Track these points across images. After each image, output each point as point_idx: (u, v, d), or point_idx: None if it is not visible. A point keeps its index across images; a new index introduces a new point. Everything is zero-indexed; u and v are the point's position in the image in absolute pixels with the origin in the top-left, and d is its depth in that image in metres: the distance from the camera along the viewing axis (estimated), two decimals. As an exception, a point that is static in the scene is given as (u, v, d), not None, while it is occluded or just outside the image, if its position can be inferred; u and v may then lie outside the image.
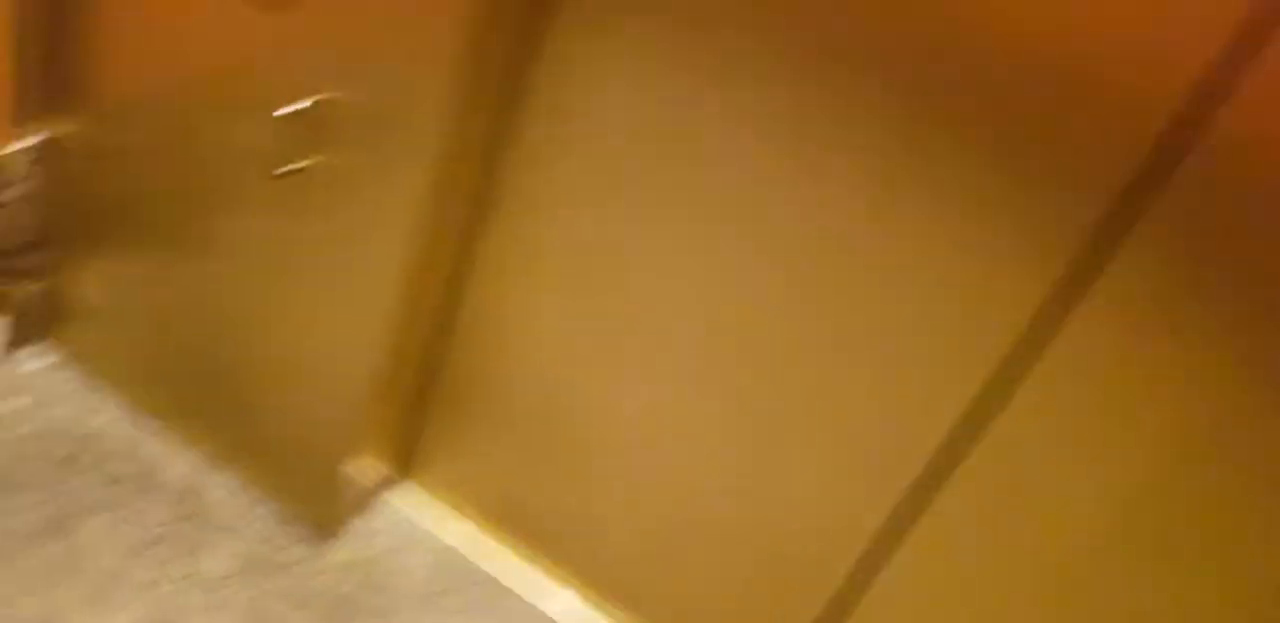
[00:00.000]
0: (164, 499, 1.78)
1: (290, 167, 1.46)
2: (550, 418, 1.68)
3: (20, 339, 1.91)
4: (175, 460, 1.84)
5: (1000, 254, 1.22)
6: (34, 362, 1.92)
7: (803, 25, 1.22)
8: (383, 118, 1.37)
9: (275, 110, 1.43)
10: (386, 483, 1.90)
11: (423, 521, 1.87)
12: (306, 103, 1.40)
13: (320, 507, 1.76)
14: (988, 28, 1.13)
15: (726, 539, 1.60)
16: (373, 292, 1.51)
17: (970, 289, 1.26)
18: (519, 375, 1.67)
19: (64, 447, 1.80)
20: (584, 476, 1.69)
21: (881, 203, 1.26)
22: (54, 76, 1.64)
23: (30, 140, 1.68)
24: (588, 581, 1.79)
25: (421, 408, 1.81)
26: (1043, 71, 1.11)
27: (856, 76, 1.22)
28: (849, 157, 1.26)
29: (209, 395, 1.79)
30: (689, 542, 1.64)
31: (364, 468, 1.76)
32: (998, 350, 1.26)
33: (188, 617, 1.64)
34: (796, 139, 1.28)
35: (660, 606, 1.73)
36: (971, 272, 1.24)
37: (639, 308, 1.51)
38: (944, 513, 1.38)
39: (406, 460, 1.89)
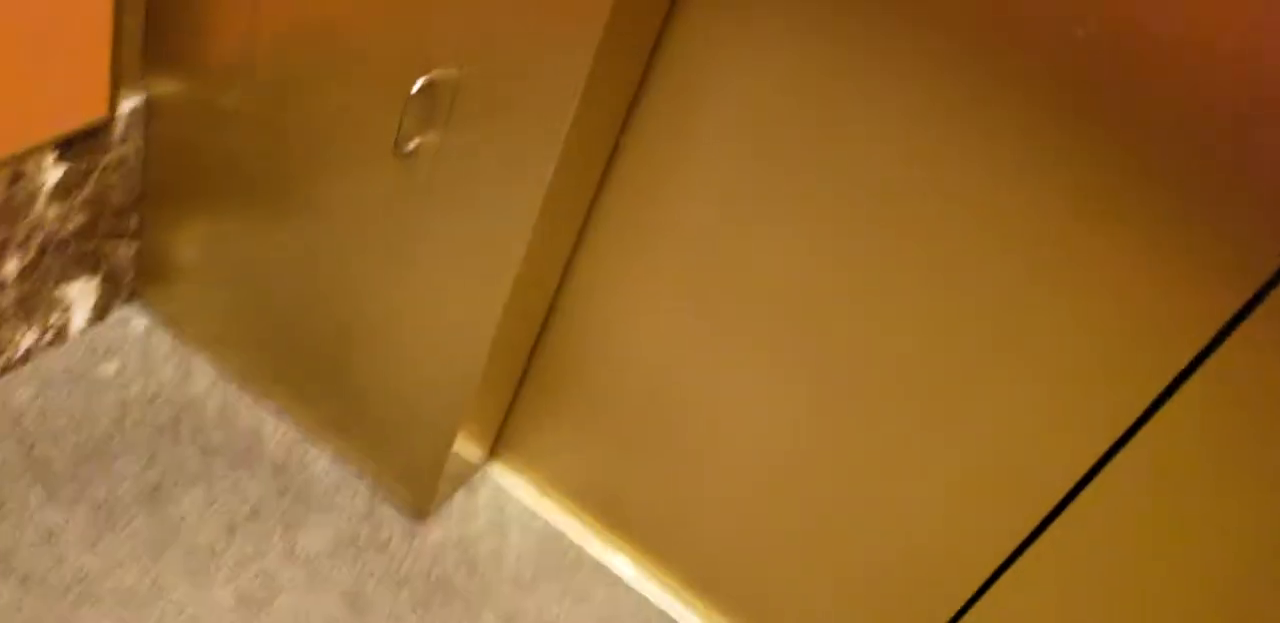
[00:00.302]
0: (262, 472, 1.76)
1: (415, 142, 1.40)
2: (649, 407, 1.62)
3: (114, 301, 1.88)
4: (273, 432, 1.82)
5: (1185, 273, 1.12)
6: (128, 324, 1.89)
7: (970, 18, 1.12)
8: (513, 98, 1.29)
9: (399, 82, 1.36)
10: (481, 463, 1.87)
11: (518, 502, 1.84)
12: (435, 76, 1.33)
13: (419, 485, 1.73)
14: (1186, 40, 1.02)
15: (833, 550, 1.55)
16: (491, 271, 1.45)
17: (1147, 306, 1.17)
18: (618, 362, 1.61)
19: (162, 414, 1.78)
20: (684, 469, 1.64)
21: (1051, 206, 1.17)
22: (156, 38, 1.58)
23: (130, 102, 1.63)
24: (680, 573, 1.76)
25: (518, 389, 1.76)
26: (1249, 88, 1.01)
27: (1021, 73, 1.12)
28: (1008, 155, 1.17)
29: (308, 366, 1.76)
30: (791, 546, 1.59)
31: (462, 447, 1.73)
32: (1166, 373, 1.17)
33: (286, 595, 1.63)
34: (946, 133, 1.19)
35: (755, 605, 1.70)
36: (1151, 288, 1.15)
37: (750, 299, 1.43)
38: (1082, 542, 1.32)
39: (498, 441, 1.85)
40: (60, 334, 1.81)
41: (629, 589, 1.78)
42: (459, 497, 1.82)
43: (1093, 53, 1.07)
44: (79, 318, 1.82)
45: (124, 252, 1.82)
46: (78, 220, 1.68)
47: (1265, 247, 1.08)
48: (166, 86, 1.62)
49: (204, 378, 1.85)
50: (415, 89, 1.33)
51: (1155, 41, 1.04)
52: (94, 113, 1.56)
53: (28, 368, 1.77)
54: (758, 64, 1.27)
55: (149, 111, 1.66)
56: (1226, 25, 1.00)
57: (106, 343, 1.85)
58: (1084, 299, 1.19)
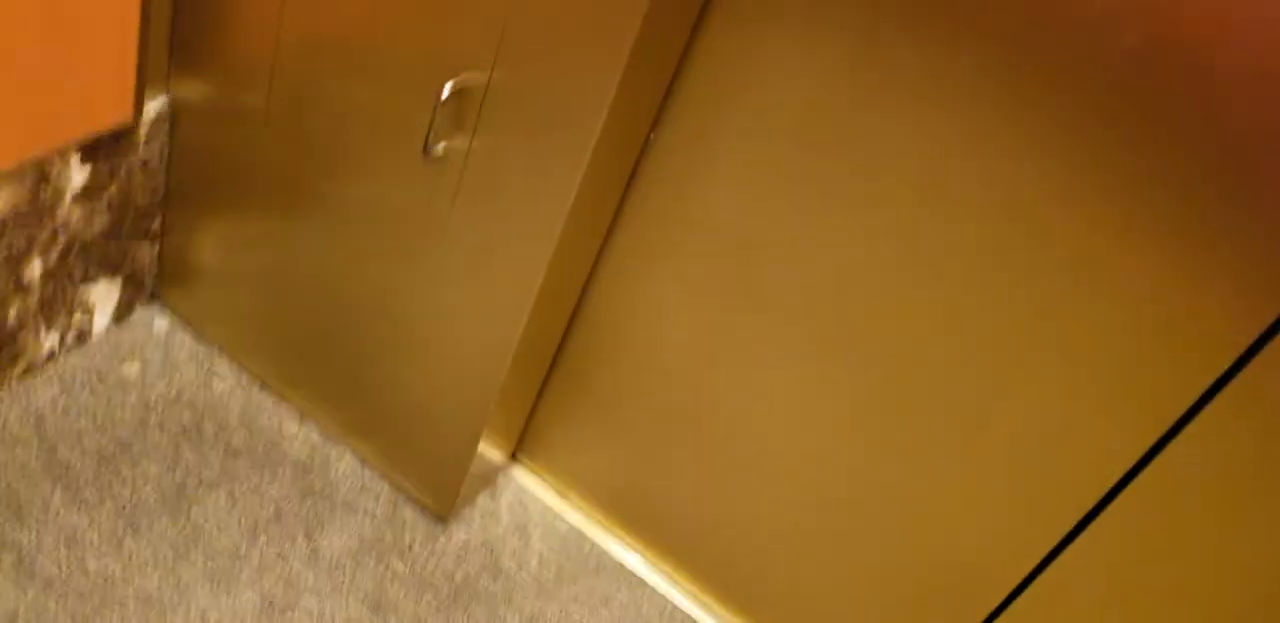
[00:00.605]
0: (284, 474, 1.75)
1: (443, 146, 1.39)
2: (673, 409, 1.61)
3: (136, 302, 1.88)
4: (296, 434, 1.81)
5: (1223, 285, 1.11)
6: (150, 325, 1.89)
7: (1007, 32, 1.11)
8: (544, 102, 1.28)
9: (428, 86, 1.35)
10: (504, 466, 1.86)
11: (540, 505, 1.83)
12: (465, 80, 1.32)
13: (441, 488, 1.73)
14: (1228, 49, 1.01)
15: (859, 556, 1.54)
16: (517, 275, 1.44)
17: (1183, 316, 1.16)
18: (642, 364, 1.60)
19: (184, 415, 1.78)
20: (708, 472, 1.63)
21: (1087, 215, 1.16)
22: (182, 40, 1.57)
23: (155, 104, 1.62)
24: (703, 576, 1.75)
25: (540, 390, 1.75)
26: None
27: (1060, 78, 1.11)
28: (1045, 163, 1.16)
29: (330, 368, 1.75)
30: (815, 551, 1.58)
31: (485, 450, 1.72)
32: (1202, 381, 1.16)
33: (309, 598, 1.62)
34: (985, 140, 1.18)
35: (777, 610, 1.69)
36: (1186, 300, 1.14)
37: (776, 302, 1.42)
38: (1112, 552, 1.31)
39: (521, 443, 1.84)
40: (83, 335, 1.80)
41: (652, 593, 1.77)
42: (481, 500, 1.82)
43: (1135, 61, 1.06)
44: (101, 319, 1.82)
45: (147, 253, 1.82)
46: (102, 222, 1.67)
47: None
48: (191, 89, 1.62)
49: (226, 379, 1.85)
50: (445, 93, 1.33)
51: (1199, 52, 1.03)
52: (119, 115, 1.55)
53: (50, 369, 1.77)
54: (791, 63, 1.26)
55: (174, 113, 1.65)
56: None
57: (129, 344, 1.84)
58: (1121, 308, 1.18)
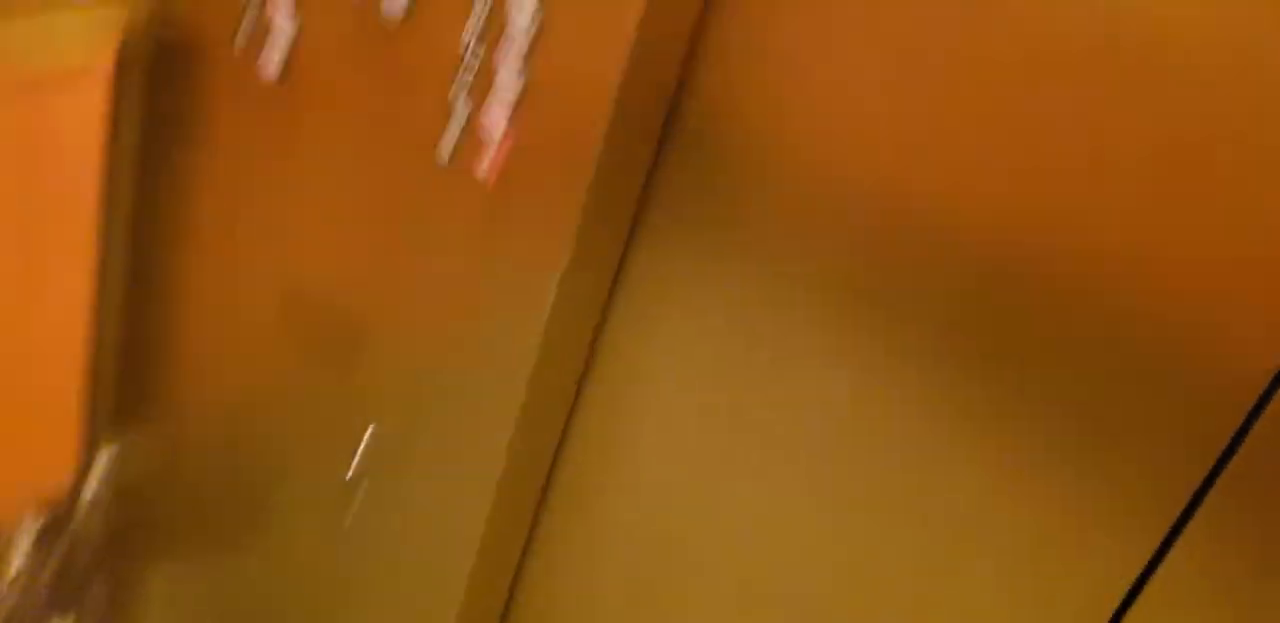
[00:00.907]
0: None
1: (362, 482, 1.50)
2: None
3: (90, 642, 1.91)
4: None
5: (1101, 510, 1.17)
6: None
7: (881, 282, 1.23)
8: (449, 439, 1.41)
9: (345, 430, 1.47)
10: None
11: None
12: (377, 425, 1.45)
13: None
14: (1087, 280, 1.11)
15: None
16: (439, 592, 1.51)
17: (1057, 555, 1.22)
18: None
19: None
20: None
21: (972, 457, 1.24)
22: (126, 397, 1.71)
23: (102, 457, 1.73)
24: None
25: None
26: (1148, 325, 1.10)
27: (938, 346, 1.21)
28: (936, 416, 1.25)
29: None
30: None
31: None
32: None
33: None
34: (890, 387, 1.26)
35: None
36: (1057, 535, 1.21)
37: (710, 577, 1.47)
38: None
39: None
40: (33, 684, 1.82)
41: None
42: None
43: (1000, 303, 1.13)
44: (52, 665, 1.84)
45: (98, 594, 1.87)
46: (50, 572, 1.74)
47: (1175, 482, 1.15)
48: (136, 440, 1.74)
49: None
50: (365, 438, 1.46)
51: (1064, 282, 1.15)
52: (67, 469, 1.66)
53: (-1, 722, 1.77)
54: (702, 346, 1.33)
55: (121, 462, 1.76)
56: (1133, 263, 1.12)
57: (79, 688, 1.86)
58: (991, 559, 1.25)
